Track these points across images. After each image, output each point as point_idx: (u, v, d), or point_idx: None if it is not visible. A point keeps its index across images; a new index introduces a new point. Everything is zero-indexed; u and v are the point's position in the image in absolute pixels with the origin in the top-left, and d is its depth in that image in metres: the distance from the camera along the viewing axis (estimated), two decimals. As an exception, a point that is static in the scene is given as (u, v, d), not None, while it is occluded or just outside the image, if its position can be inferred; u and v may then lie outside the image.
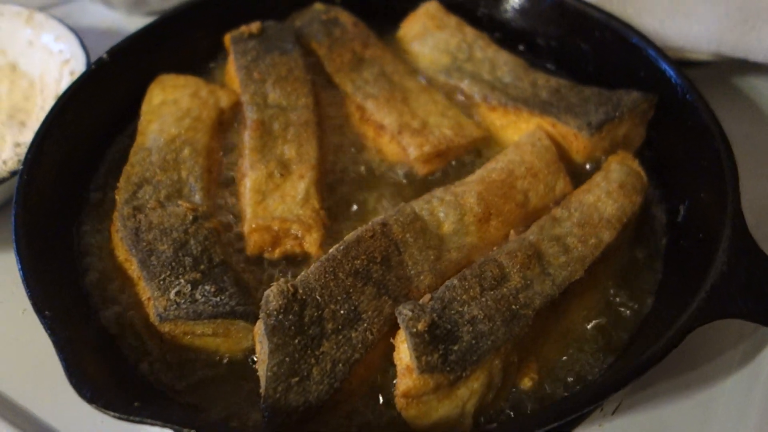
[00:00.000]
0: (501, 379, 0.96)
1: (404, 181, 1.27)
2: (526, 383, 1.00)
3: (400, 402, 0.93)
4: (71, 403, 1.12)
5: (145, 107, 1.33)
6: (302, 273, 1.02)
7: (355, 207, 1.24)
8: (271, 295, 0.96)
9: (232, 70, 1.39)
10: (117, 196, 1.17)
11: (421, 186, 1.26)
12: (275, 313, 0.95)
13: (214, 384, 1.02)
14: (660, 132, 1.27)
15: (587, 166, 1.26)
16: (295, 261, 1.17)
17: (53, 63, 1.53)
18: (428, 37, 1.45)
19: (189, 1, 1.45)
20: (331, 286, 0.99)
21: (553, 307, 1.03)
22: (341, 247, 1.04)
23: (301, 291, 0.98)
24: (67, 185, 1.21)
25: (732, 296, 0.92)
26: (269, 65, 1.35)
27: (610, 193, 1.15)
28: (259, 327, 0.97)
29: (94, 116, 1.29)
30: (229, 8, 1.49)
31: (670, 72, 1.24)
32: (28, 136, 1.42)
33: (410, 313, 0.95)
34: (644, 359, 0.87)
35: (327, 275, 1.00)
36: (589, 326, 1.08)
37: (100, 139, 1.31)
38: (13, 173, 1.28)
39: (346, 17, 1.48)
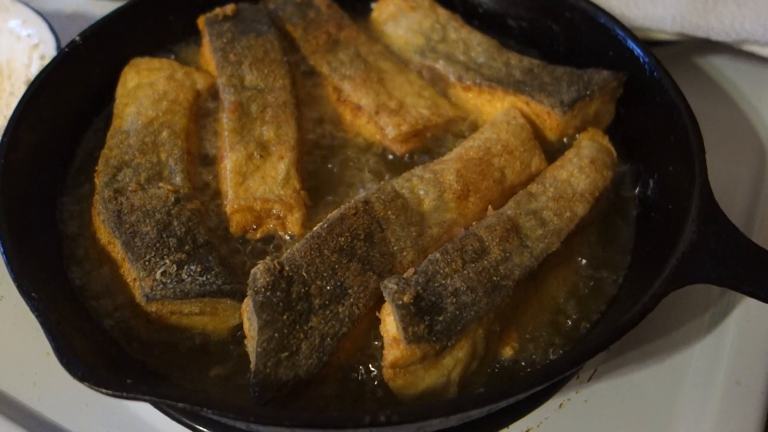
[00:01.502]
0: (484, 348, 1.00)
1: (382, 160, 1.29)
2: (508, 352, 1.03)
3: (387, 373, 0.96)
4: (54, 387, 1.14)
5: (119, 90, 1.32)
6: (288, 251, 1.03)
7: (334, 187, 1.25)
8: (258, 273, 0.98)
9: (207, 52, 1.39)
10: (96, 179, 1.17)
11: (399, 165, 1.28)
12: (263, 289, 0.96)
13: (202, 362, 1.03)
14: (629, 109, 1.31)
15: (560, 143, 1.30)
16: (269, 240, 1.19)
17: (21, 48, 1.51)
18: (402, 18, 1.47)
19: (161, -17, 1.44)
20: (317, 263, 1.01)
21: (532, 278, 1.07)
22: (325, 225, 1.06)
23: (287, 268, 0.99)
24: (44, 169, 1.20)
25: (702, 263, 0.97)
26: (245, 47, 1.35)
27: (582, 168, 1.19)
28: (248, 304, 0.99)
29: (68, 99, 1.28)
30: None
31: (638, 51, 1.28)
32: (-1, 122, 1.40)
33: (395, 287, 0.97)
34: (622, 323, 0.91)
35: (312, 252, 1.02)
36: (566, 295, 1.11)
37: (75, 122, 1.31)
38: (-13, 158, 1.26)
39: (319, -1, 1.49)
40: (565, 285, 1.13)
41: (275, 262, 0.99)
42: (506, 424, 1.07)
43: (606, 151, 1.24)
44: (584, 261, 1.16)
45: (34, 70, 1.45)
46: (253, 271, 0.99)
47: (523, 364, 1.04)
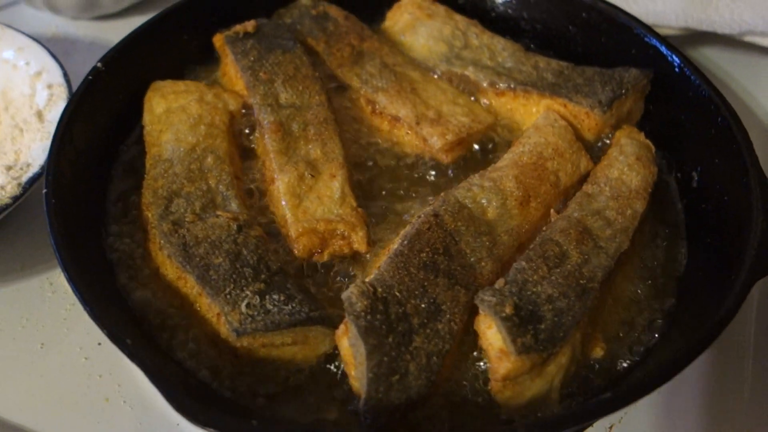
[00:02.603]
0: (580, 351, 1.01)
1: (430, 171, 1.28)
2: (598, 352, 1.04)
3: (496, 386, 0.96)
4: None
5: (147, 117, 1.26)
6: (374, 272, 1.01)
7: (385, 201, 1.23)
8: (353, 297, 0.95)
9: (232, 71, 1.35)
10: (147, 213, 1.11)
11: (446, 175, 1.27)
12: (363, 314, 0.94)
13: (294, 392, 1.00)
14: (657, 105, 1.35)
15: (597, 143, 1.32)
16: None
17: (20, 77, 1.42)
18: (419, 26, 1.46)
19: (176, 2, 1.38)
20: (407, 282, 1.00)
21: (607, 278, 1.08)
22: (405, 242, 1.04)
23: (380, 290, 0.98)
24: (88, 204, 1.14)
25: (779, 250, 1.01)
26: (274, 64, 1.32)
27: (631, 165, 1.22)
28: (346, 331, 0.96)
29: (98, 128, 1.23)
30: (208, 10, 1.43)
31: (664, 49, 1.32)
32: (10, 159, 1.31)
33: (493, 299, 0.97)
34: (720, 317, 0.93)
35: (400, 271, 1.00)
36: (636, 291, 1.13)
37: (105, 151, 1.24)
38: (14, 198, 1.18)
39: (335, 11, 1.46)
40: (633, 280, 1.15)
41: (367, 284, 0.97)
42: (592, 422, 1.08)
43: (646, 146, 1.27)
44: (644, 256, 1.18)
45: (41, 100, 1.36)
46: (345, 295, 0.96)
47: (610, 364, 1.05)
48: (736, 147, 1.16)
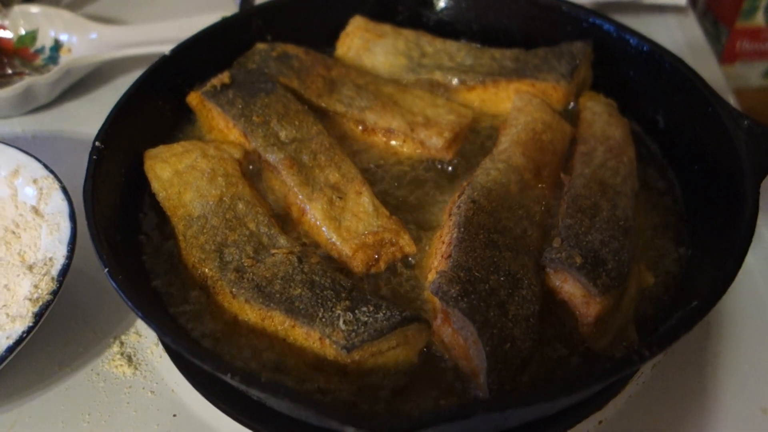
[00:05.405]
0: (641, 282, 1.13)
1: (436, 169, 1.36)
2: (649, 281, 1.16)
3: (589, 330, 1.05)
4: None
5: (156, 184, 1.26)
6: (447, 261, 1.08)
7: (407, 207, 1.30)
8: (444, 286, 1.02)
9: (221, 123, 1.37)
10: (204, 269, 1.12)
11: (450, 170, 1.36)
12: (460, 297, 1.01)
13: (408, 391, 1.04)
14: (603, 69, 1.51)
15: (566, 112, 1.47)
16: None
17: (-10, 182, 1.36)
18: (373, 47, 1.55)
19: (146, 70, 1.39)
20: (480, 261, 1.07)
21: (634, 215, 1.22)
22: (461, 229, 1.12)
23: (462, 274, 1.05)
24: (136, 274, 1.13)
25: (764, 153, 1.17)
26: (263, 107, 1.36)
27: (607, 121, 1.37)
28: (444, 319, 1.02)
29: (115, 203, 1.21)
30: (173, 72, 1.45)
31: (597, 20, 1.49)
32: (16, 261, 1.26)
33: (561, 254, 1.07)
34: (744, 224, 1.07)
35: (470, 254, 1.08)
36: (653, 223, 1.27)
37: (127, 226, 1.23)
38: (54, 293, 1.14)
39: (293, 48, 1.52)
40: (645, 216, 1.29)
41: (449, 272, 1.04)
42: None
43: (609, 103, 1.43)
44: (645, 197, 1.33)
45: (29, 197, 1.31)
46: (434, 287, 1.03)
47: (656, 288, 1.18)
48: (691, 83, 1.33)
